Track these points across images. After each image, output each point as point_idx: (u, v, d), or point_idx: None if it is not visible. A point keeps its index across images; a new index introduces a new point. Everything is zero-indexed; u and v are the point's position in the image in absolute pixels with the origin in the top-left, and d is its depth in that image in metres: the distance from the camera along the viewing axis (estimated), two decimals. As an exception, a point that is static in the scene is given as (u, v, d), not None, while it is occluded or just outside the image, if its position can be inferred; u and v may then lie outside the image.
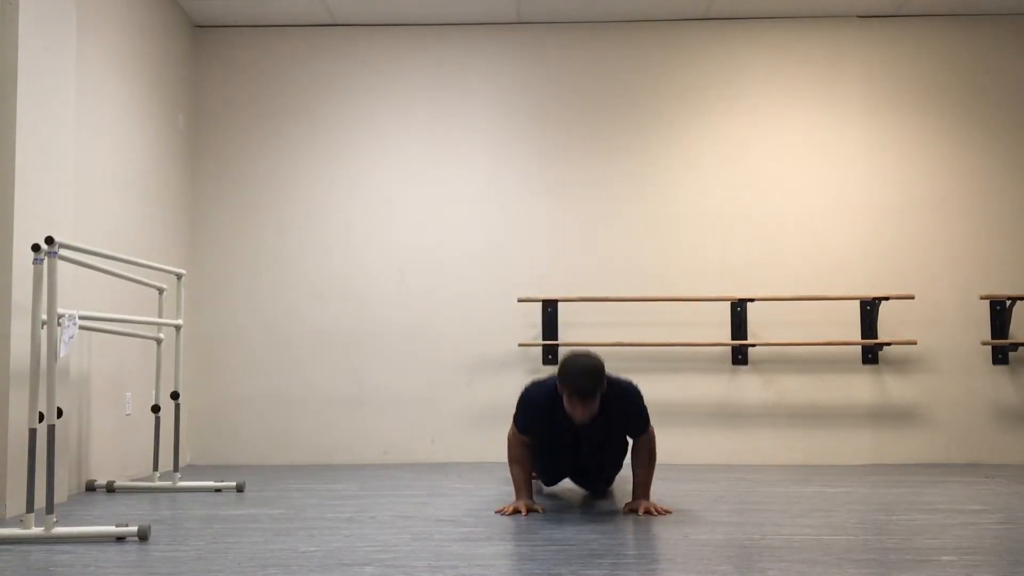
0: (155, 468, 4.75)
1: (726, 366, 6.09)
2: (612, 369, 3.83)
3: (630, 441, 3.98)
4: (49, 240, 3.38)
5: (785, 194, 6.21)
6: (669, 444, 5.93)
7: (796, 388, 6.08)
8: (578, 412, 3.68)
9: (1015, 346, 5.99)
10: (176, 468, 4.70)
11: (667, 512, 3.82)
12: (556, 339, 5.97)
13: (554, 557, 2.95)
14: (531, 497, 3.94)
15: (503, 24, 6.33)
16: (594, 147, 6.24)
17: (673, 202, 6.21)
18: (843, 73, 6.27)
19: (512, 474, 3.96)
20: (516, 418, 3.97)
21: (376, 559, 2.89)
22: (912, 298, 5.99)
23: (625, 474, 4.11)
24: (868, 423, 6.04)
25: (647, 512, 3.79)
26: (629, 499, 3.93)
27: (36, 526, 3.27)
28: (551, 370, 4.93)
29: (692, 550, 3.05)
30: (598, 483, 4.31)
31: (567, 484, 4.54)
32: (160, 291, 4.81)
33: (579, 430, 3.81)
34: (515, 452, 3.95)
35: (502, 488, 4.66)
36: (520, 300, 5.99)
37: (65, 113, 4.27)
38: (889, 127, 6.24)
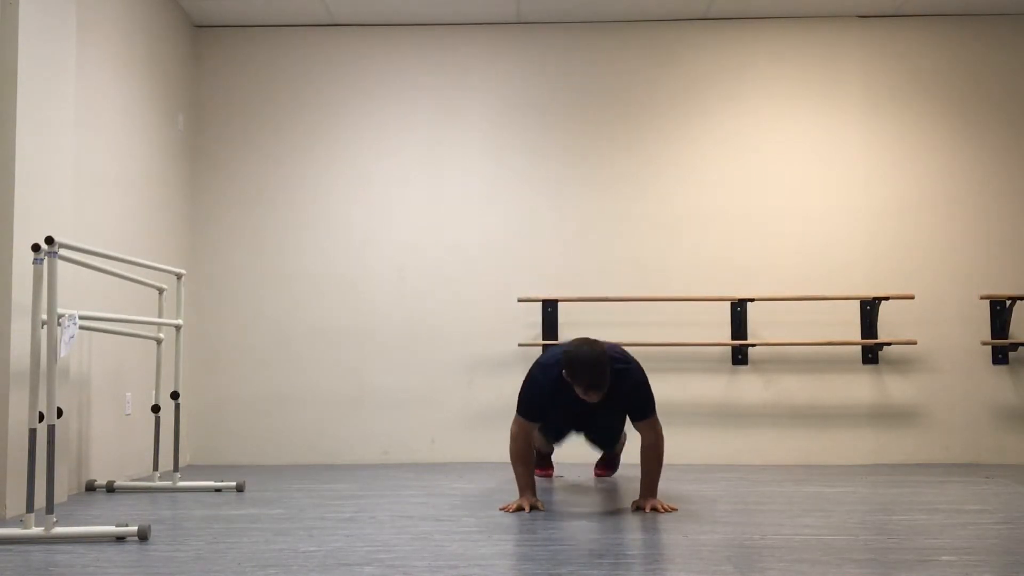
0: (155, 468, 4.75)
1: (726, 366, 6.09)
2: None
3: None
4: (49, 240, 3.38)
5: (785, 194, 6.21)
6: (669, 444, 5.88)
7: (796, 388, 6.08)
8: (592, 398, 3.78)
9: (1015, 346, 5.99)
10: (176, 468, 4.70)
11: (673, 510, 3.85)
12: (556, 339, 5.97)
13: (554, 557, 2.95)
14: (535, 495, 3.96)
15: (503, 24, 6.33)
16: (594, 147, 6.24)
17: (673, 202, 6.21)
18: (843, 73, 6.26)
19: (516, 472, 3.97)
20: (522, 408, 3.99)
21: (376, 559, 2.89)
22: (912, 298, 5.99)
23: (633, 473, 4.11)
24: (868, 423, 6.04)
25: (653, 509, 3.84)
26: (636, 498, 3.96)
27: (36, 526, 3.27)
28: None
29: (692, 550, 3.05)
30: (605, 442, 4.43)
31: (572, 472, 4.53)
32: (160, 291, 4.81)
33: (585, 406, 3.89)
34: (519, 447, 3.97)
35: (502, 488, 4.66)
36: (520, 300, 5.99)
37: (65, 113, 4.27)
38: (889, 127, 6.24)
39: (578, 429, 4.45)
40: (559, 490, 4.55)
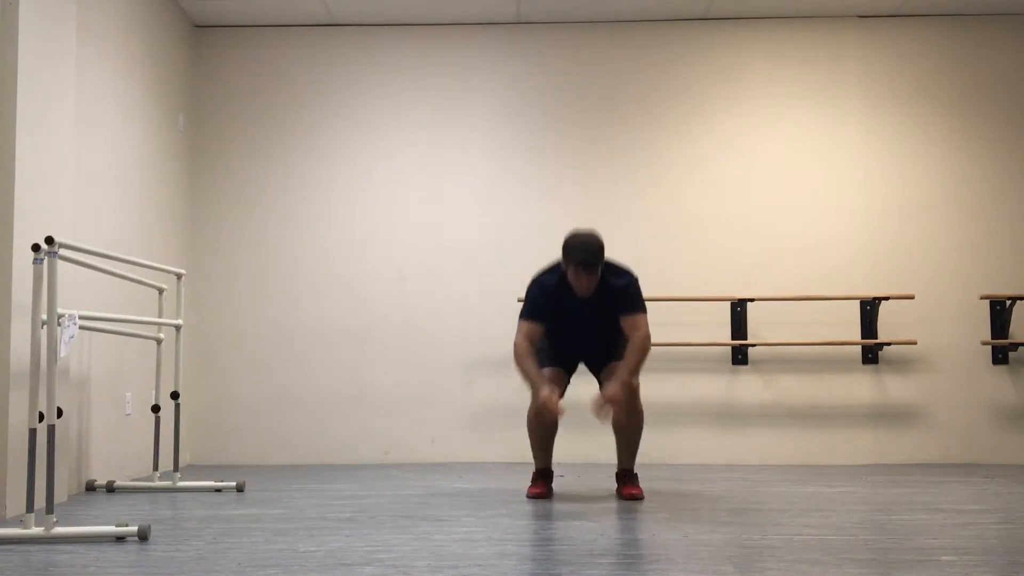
0: (155, 468, 4.75)
1: (726, 366, 6.09)
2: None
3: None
4: (49, 240, 3.38)
5: (785, 194, 6.21)
6: (669, 444, 5.96)
7: (796, 388, 6.08)
8: (583, 282, 4.06)
9: (1015, 346, 5.99)
10: (176, 468, 4.70)
11: (617, 399, 3.94)
12: (556, 339, 5.97)
13: (554, 557, 2.95)
14: (548, 387, 4.03)
15: (503, 24, 6.33)
16: (594, 147, 6.24)
17: (673, 202, 6.21)
18: (843, 73, 6.27)
19: (523, 370, 4.10)
20: (524, 312, 4.22)
21: (376, 559, 2.89)
22: (912, 298, 5.99)
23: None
24: (868, 423, 6.04)
25: (610, 400, 3.94)
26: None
27: (36, 526, 3.27)
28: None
29: (692, 550, 3.05)
30: (606, 359, 4.34)
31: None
32: (160, 291, 4.81)
33: (584, 307, 4.12)
34: (522, 347, 4.14)
35: (502, 488, 4.66)
36: (520, 300, 5.98)
37: (65, 113, 4.27)
38: (889, 127, 6.24)
39: (579, 347, 4.36)
40: (559, 490, 4.55)
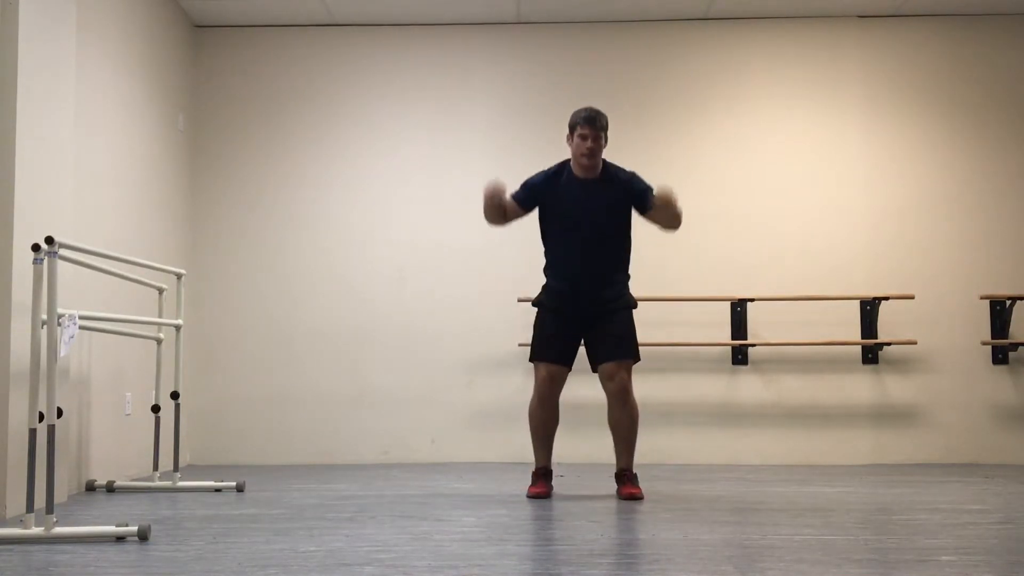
0: (155, 468, 4.75)
1: (726, 366, 6.09)
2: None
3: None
4: (49, 240, 3.38)
5: (785, 194, 6.21)
6: (669, 444, 5.95)
7: (796, 388, 6.08)
8: (587, 146, 4.19)
9: (1015, 346, 5.98)
10: (176, 468, 4.70)
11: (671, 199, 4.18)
12: (556, 339, 5.97)
13: (554, 557, 2.95)
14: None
15: (503, 24, 6.33)
16: (594, 147, 6.23)
17: (673, 202, 6.20)
18: (843, 73, 6.26)
19: (487, 207, 4.29)
20: (518, 189, 4.38)
21: (376, 559, 2.89)
22: (912, 298, 5.99)
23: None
24: (868, 423, 6.04)
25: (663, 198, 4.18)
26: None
27: (36, 526, 3.27)
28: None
29: (692, 550, 3.05)
30: (606, 270, 4.39)
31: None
32: (160, 291, 4.81)
33: (586, 199, 4.22)
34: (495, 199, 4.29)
35: (503, 488, 4.66)
36: (520, 300, 5.98)
37: (65, 113, 4.27)
38: (889, 127, 6.24)
39: (578, 243, 4.35)
40: (559, 490, 4.55)
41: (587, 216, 4.30)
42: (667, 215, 4.29)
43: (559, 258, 4.41)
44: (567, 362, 4.37)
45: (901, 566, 2.80)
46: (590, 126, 4.20)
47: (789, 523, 3.58)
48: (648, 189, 4.33)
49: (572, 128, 4.28)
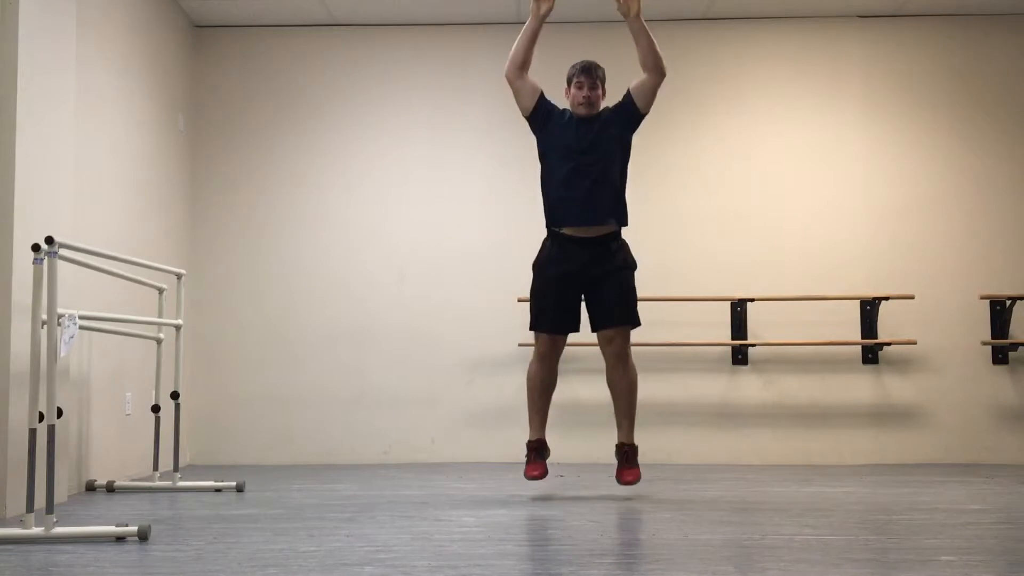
0: (155, 468, 4.75)
1: (726, 366, 6.09)
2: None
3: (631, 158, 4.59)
4: (49, 240, 3.38)
5: (785, 194, 6.21)
6: (669, 444, 5.95)
7: (796, 388, 6.08)
8: (583, 92, 4.29)
9: (1015, 346, 5.98)
10: (176, 468, 4.70)
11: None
12: (556, 339, 5.97)
13: (554, 557, 2.95)
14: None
15: (503, 24, 6.32)
16: (594, 147, 6.23)
17: (673, 202, 6.21)
18: (843, 73, 6.26)
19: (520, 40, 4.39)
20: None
21: (376, 559, 2.89)
22: (912, 298, 5.98)
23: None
24: (868, 423, 6.03)
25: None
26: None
27: (36, 526, 3.26)
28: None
29: (692, 550, 3.05)
30: (605, 200, 4.44)
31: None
32: (160, 291, 4.81)
33: (585, 130, 4.31)
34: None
35: (503, 488, 4.66)
36: (520, 300, 5.97)
37: (65, 113, 4.27)
38: (889, 127, 6.24)
39: (577, 173, 4.41)
40: (559, 490, 4.55)
41: (587, 144, 4.37)
42: (641, 39, 4.34)
43: (561, 197, 4.42)
44: (569, 329, 4.35)
45: (901, 566, 2.80)
46: (586, 75, 4.30)
47: (789, 523, 3.58)
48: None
49: (569, 80, 4.38)
